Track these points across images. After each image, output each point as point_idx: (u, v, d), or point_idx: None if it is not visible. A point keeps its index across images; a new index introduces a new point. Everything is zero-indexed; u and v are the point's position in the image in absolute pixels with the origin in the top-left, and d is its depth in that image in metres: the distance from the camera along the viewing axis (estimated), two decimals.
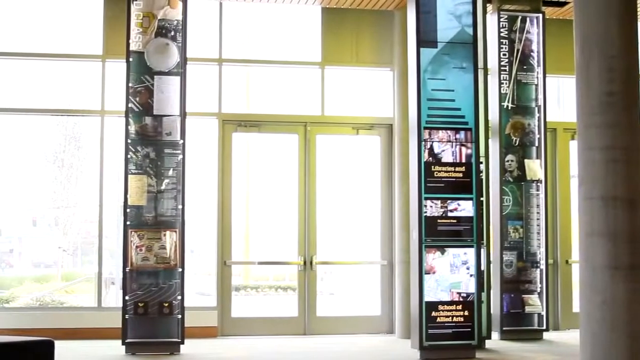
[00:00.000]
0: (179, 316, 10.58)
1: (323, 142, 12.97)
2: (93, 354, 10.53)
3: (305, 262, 12.67)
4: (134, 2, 10.85)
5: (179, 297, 10.60)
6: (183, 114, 10.78)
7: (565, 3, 12.75)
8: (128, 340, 10.44)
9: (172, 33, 10.87)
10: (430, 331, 9.90)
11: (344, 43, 13.09)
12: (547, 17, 12.82)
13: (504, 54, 12.34)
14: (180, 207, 10.67)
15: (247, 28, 13.03)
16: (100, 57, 12.43)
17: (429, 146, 10.02)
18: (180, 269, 10.63)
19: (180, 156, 10.73)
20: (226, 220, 12.57)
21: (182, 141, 10.73)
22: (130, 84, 10.73)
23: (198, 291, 13.00)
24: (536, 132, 12.30)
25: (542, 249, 12.21)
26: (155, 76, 10.79)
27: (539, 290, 12.20)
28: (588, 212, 7.37)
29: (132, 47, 10.81)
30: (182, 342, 10.55)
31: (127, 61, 10.79)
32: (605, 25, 7.40)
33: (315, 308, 12.70)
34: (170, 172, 10.73)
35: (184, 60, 10.84)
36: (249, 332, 12.45)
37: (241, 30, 12.95)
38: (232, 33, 12.88)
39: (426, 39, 10.18)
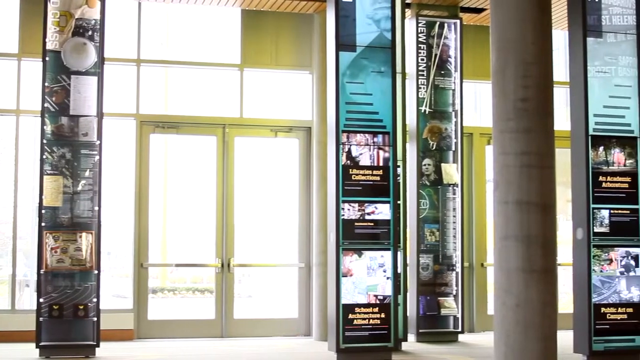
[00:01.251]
0: (95, 319, 10.45)
1: (242, 144, 12.94)
2: (6, 357, 10.35)
3: (222, 265, 12.63)
4: (51, 1, 10.70)
5: (95, 300, 10.48)
6: (100, 115, 10.66)
7: (482, 10, 12.92)
8: (42, 344, 10.28)
9: (90, 32, 10.75)
10: (347, 333, 9.93)
11: (263, 45, 13.08)
12: (465, 23, 12.97)
13: (422, 59, 12.46)
14: (96, 208, 10.55)
15: (167, 29, 12.95)
16: (16, 55, 12.24)
17: (346, 149, 10.05)
18: (96, 271, 10.51)
19: (97, 157, 10.61)
20: (143, 222, 12.47)
21: (98, 142, 10.61)
22: (46, 84, 10.58)
23: (114, 293, 12.88)
24: (453, 136, 12.44)
25: (458, 252, 12.35)
26: (72, 76, 10.66)
27: (454, 292, 12.34)
28: (503, 216, 7.47)
29: (49, 46, 10.65)
30: (98, 345, 10.43)
31: (44, 60, 10.63)
32: (520, 32, 7.51)
33: (232, 310, 12.66)
34: (87, 173, 10.60)
35: (101, 60, 10.73)
36: (166, 335, 12.36)
37: (160, 31, 12.86)
38: (151, 33, 12.78)
39: (345, 42, 10.22)
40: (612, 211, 9.90)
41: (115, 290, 12.88)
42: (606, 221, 9.85)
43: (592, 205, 9.82)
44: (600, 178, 9.88)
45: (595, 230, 9.81)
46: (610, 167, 9.92)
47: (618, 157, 9.96)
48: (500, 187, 7.50)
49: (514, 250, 7.37)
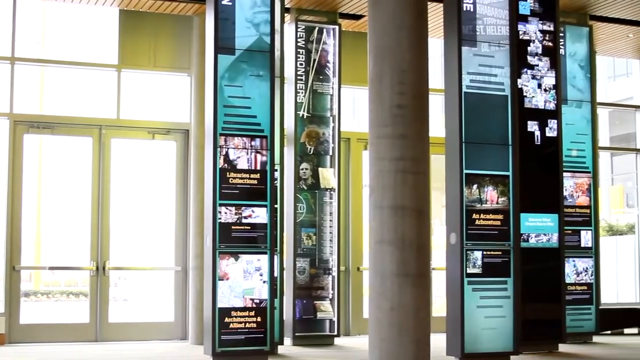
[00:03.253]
0: None
1: (118, 145, 12.79)
2: None
3: (97, 268, 12.44)
4: None
5: None
6: None
7: (361, 16, 13.05)
8: None
9: None
10: (223, 337, 9.90)
11: (141, 46, 12.95)
12: (344, 29, 13.07)
13: (301, 64, 12.51)
14: None
15: (43, 27, 12.71)
16: None
17: (224, 152, 10.03)
18: None
19: None
20: (16, 224, 12.19)
21: None
22: None
23: None
24: (330, 141, 12.52)
25: (335, 256, 12.44)
26: None
27: (330, 296, 12.42)
28: (378, 221, 7.57)
29: None
30: None
31: None
32: (397, 39, 7.62)
33: (107, 314, 12.48)
34: None
35: None
36: (38, 339, 12.11)
37: (36, 29, 12.62)
38: (26, 31, 12.52)
39: (224, 45, 10.19)
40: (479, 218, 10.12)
41: None
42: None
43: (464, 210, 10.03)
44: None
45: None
46: (484, 178, 10.14)
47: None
48: (376, 192, 7.59)
49: (388, 254, 7.47)
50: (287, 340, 11.91)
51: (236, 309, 9.98)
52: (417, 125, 7.60)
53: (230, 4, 10.23)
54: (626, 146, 17.42)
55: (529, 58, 11.29)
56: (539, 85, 11.28)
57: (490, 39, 10.39)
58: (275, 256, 10.48)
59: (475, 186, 10.09)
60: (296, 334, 12.12)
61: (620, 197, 18.89)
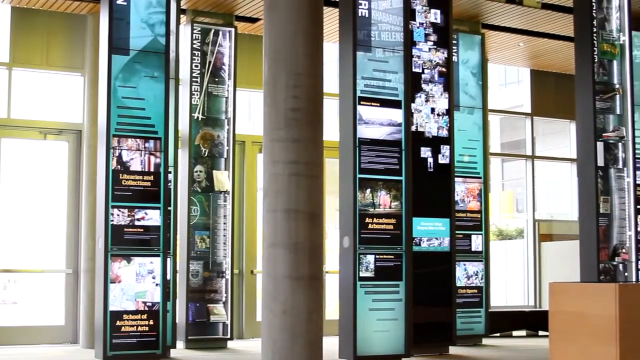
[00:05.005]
0: None
1: (9, 146, 12.53)
2: None
3: None
4: None
5: None
6: None
7: (257, 19, 13.06)
8: None
9: None
10: (114, 341, 9.81)
11: (34, 45, 12.72)
12: (240, 32, 13.06)
13: (196, 66, 12.45)
14: None
15: None
16: None
17: (117, 154, 9.94)
18: None
19: None
20: None
21: None
22: None
23: None
24: (225, 144, 12.49)
25: (228, 259, 12.41)
26: None
27: (224, 299, 12.38)
28: (271, 224, 7.59)
29: None
30: None
31: None
32: (292, 43, 7.65)
33: None
34: None
35: None
36: None
37: None
38: None
39: (118, 45, 10.11)
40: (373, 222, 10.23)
41: None
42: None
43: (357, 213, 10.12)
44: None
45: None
46: (378, 183, 10.25)
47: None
48: (270, 195, 7.61)
49: (281, 257, 7.49)
50: (180, 344, 11.84)
51: (128, 312, 9.90)
52: (311, 129, 7.64)
53: (125, 3, 10.16)
54: (516, 152, 17.78)
55: (423, 86, 11.39)
56: (432, 110, 11.39)
57: (385, 44, 10.52)
58: (169, 259, 10.42)
59: (368, 190, 10.19)
60: (189, 338, 12.05)
61: (510, 202, 19.25)
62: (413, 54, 11.11)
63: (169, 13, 10.47)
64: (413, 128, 10.95)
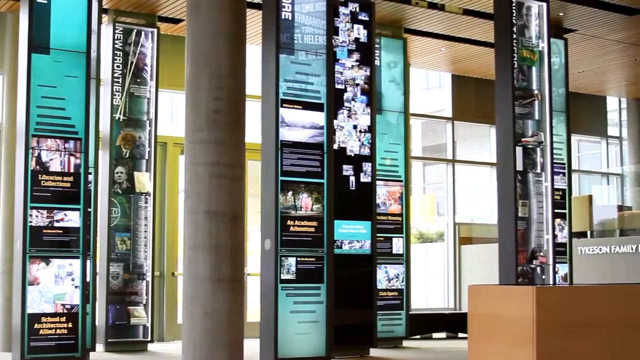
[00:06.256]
0: None
1: None
2: None
3: None
4: None
5: None
6: None
7: (180, 20, 13.00)
8: None
9: None
10: (32, 344, 9.67)
11: None
12: (162, 32, 12.98)
13: (118, 66, 12.34)
14: None
15: None
16: None
17: (36, 154, 9.81)
18: None
19: None
20: None
21: None
22: None
23: None
24: (147, 145, 12.40)
25: (149, 261, 12.32)
26: None
27: (144, 302, 12.29)
28: (193, 226, 7.57)
29: None
30: None
31: None
32: (214, 44, 7.65)
33: None
34: None
35: None
36: None
37: None
38: None
39: (38, 44, 9.97)
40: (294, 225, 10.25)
41: None
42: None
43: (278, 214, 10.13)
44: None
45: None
46: (300, 185, 10.28)
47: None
48: (191, 197, 7.59)
49: (202, 259, 7.48)
50: (100, 347, 11.73)
51: (47, 315, 9.78)
52: (233, 131, 7.64)
53: (45, 2, 10.03)
54: (438, 156, 17.97)
55: (346, 103, 11.44)
56: (354, 127, 11.44)
57: (308, 47, 10.54)
58: (88, 261, 10.31)
59: (290, 193, 10.20)
60: (109, 340, 11.94)
61: (432, 205, 19.43)
62: (336, 70, 11.19)
63: (91, 12, 10.35)
64: (335, 146, 11.01)
